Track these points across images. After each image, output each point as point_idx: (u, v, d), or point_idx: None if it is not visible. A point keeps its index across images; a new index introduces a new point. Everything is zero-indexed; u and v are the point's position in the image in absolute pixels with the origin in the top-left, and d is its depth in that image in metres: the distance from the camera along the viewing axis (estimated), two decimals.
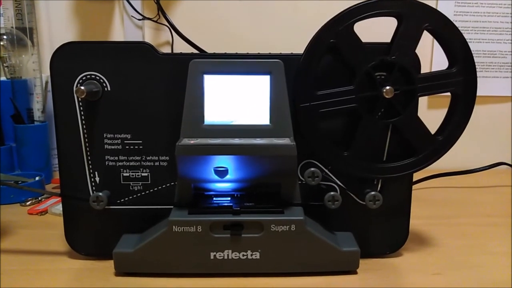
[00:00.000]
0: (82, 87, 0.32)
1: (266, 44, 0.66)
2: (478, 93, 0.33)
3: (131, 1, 0.63)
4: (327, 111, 0.33)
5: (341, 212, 0.35)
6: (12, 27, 0.61)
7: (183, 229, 0.32)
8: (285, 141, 0.32)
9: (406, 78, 0.33)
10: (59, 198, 0.51)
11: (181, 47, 0.65)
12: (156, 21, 0.64)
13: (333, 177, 0.35)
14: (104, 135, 0.34)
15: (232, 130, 0.33)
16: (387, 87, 0.32)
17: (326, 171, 0.35)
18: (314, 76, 0.32)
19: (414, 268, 0.35)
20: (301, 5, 0.67)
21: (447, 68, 0.34)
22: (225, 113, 0.33)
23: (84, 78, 0.33)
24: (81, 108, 0.34)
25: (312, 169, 0.33)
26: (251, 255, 0.32)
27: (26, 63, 0.62)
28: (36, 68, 0.62)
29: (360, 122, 0.33)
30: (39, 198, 0.52)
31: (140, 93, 0.34)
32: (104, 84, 0.34)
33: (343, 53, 0.32)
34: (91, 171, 0.35)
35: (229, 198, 0.34)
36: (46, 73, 0.65)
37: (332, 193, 0.34)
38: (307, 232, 0.32)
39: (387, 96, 0.32)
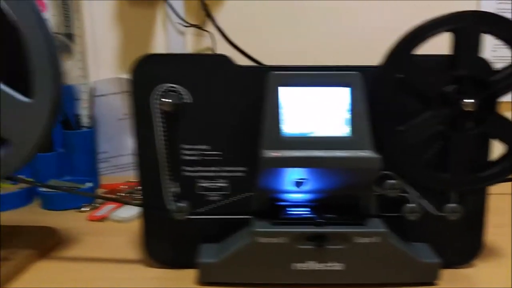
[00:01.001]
0: (167, 100, 0.32)
1: (315, 53, 0.66)
2: None
3: (175, 7, 0.64)
4: (416, 142, 0.33)
5: (416, 223, 0.35)
6: (59, 33, 0.62)
7: (268, 240, 0.32)
8: (369, 153, 0.32)
9: (481, 85, 0.33)
10: (117, 204, 0.52)
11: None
12: (201, 28, 0.65)
13: (411, 188, 0.35)
14: (183, 146, 0.35)
15: (311, 142, 0.33)
16: (467, 101, 0.32)
17: (404, 182, 0.35)
18: (394, 113, 0.33)
19: (490, 279, 0.35)
20: (346, 12, 0.67)
21: None
22: (304, 125, 0.34)
23: (164, 90, 0.34)
24: (161, 120, 0.34)
25: (392, 181, 0.34)
26: (335, 266, 0.32)
27: (72, 69, 0.63)
28: (82, 74, 0.63)
29: (451, 142, 0.33)
30: (94, 204, 0.53)
31: (219, 105, 0.34)
32: (184, 97, 0.34)
33: (413, 83, 0.33)
34: (169, 181, 0.35)
35: (307, 209, 0.35)
36: (91, 79, 0.66)
37: (411, 205, 0.34)
38: (390, 244, 0.32)
39: (469, 109, 0.32)
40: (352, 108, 0.33)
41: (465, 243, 0.36)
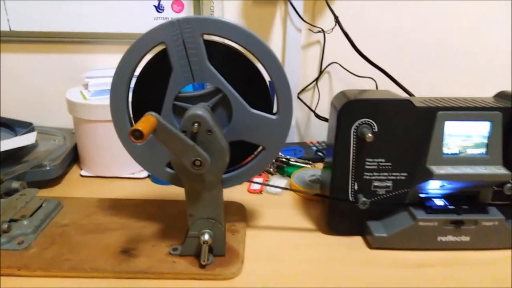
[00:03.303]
0: (370, 134, 0.46)
1: None
2: None
3: (295, 6, 0.72)
4: None
5: None
6: None
7: (425, 223, 0.49)
8: (502, 170, 0.47)
9: None
10: (263, 177, 0.68)
11: (330, 48, 0.76)
12: (323, 31, 0.74)
13: None
14: (366, 159, 0.50)
15: (461, 159, 0.48)
16: None
17: None
18: None
19: None
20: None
21: None
22: (456, 147, 0.48)
23: (360, 123, 0.48)
24: (354, 142, 0.49)
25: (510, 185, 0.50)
26: (464, 238, 0.50)
27: None
28: None
29: None
30: None
31: (396, 133, 0.49)
32: (373, 127, 0.48)
33: None
34: (352, 181, 0.51)
35: (444, 200, 0.51)
36: None
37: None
38: (505, 226, 0.49)
39: None
40: (490, 136, 0.48)
41: None
